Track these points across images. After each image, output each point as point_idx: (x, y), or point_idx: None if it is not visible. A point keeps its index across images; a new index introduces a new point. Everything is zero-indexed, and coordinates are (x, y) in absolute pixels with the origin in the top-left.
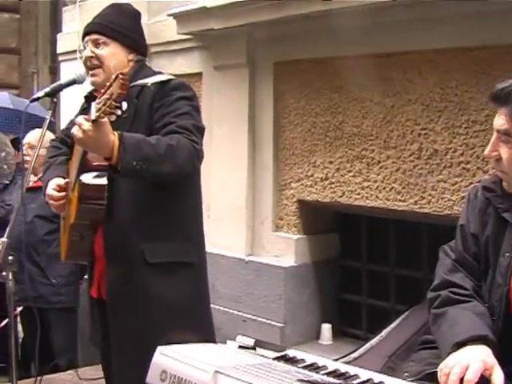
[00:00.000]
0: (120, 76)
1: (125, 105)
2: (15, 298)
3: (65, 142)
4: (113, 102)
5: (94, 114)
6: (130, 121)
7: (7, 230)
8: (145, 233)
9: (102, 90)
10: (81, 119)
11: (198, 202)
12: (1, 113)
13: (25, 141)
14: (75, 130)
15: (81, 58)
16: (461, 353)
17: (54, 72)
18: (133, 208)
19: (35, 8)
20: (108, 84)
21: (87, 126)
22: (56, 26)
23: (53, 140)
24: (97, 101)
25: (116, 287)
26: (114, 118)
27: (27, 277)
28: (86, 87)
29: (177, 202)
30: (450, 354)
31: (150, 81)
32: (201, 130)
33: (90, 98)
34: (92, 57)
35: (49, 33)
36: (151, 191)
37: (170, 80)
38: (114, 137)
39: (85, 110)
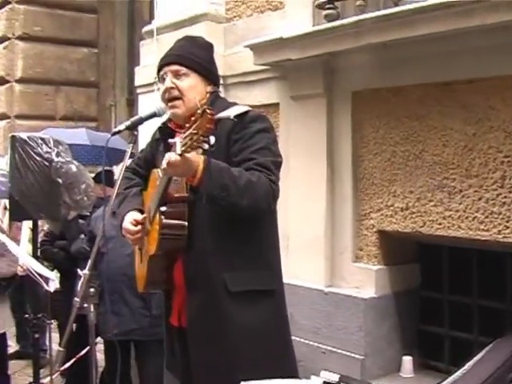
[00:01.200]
0: (207, 111)
1: (213, 139)
2: (114, 331)
3: (137, 172)
4: (200, 137)
5: (179, 149)
6: (207, 153)
7: (89, 262)
8: (226, 261)
9: (187, 125)
10: (169, 155)
11: (275, 229)
12: (79, 149)
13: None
14: (164, 164)
15: (158, 89)
16: None
17: (131, 104)
18: (213, 236)
19: (113, 43)
20: (193, 119)
21: (174, 159)
22: (133, 59)
23: (125, 171)
24: (182, 135)
25: (197, 316)
26: (200, 152)
27: (128, 309)
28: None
29: (256, 230)
30: None
31: (230, 113)
32: (279, 165)
33: (164, 129)
34: (172, 88)
35: (126, 66)
36: (231, 219)
37: (247, 112)
38: (200, 159)
39: (157, 141)
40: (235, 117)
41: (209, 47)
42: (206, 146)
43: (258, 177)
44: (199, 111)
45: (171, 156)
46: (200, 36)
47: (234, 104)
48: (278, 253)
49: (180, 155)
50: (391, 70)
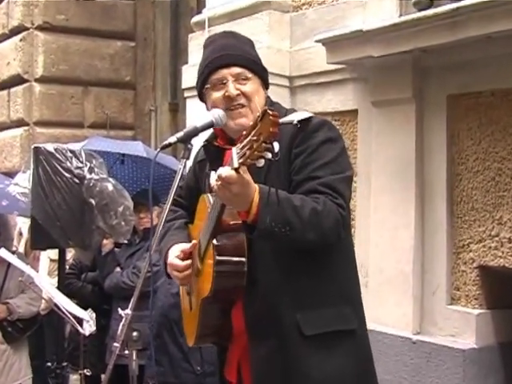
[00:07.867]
0: (269, 112)
1: (277, 146)
2: (153, 381)
3: (179, 204)
4: (262, 144)
5: (236, 162)
6: (266, 166)
7: (132, 300)
8: (298, 299)
9: (244, 132)
10: (223, 169)
11: (352, 255)
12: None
13: None
14: (214, 181)
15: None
16: None
17: (175, 110)
18: (279, 270)
19: (153, 35)
20: (252, 124)
21: (230, 174)
22: (177, 55)
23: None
24: (238, 145)
25: (264, 368)
26: (262, 163)
27: (168, 360)
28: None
29: (332, 258)
30: None
31: (293, 118)
32: (348, 180)
33: (209, 147)
34: (238, 95)
35: (169, 64)
36: (297, 250)
37: (310, 118)
38: (254, 190)
39: (202, 162)
40: (299, 122)
41: (254, 45)
42: (270, 155)
43: (323, 203)
44: (258, 114)
45: (224, 171)
46: (234, 31)
47: (293, 110)
48: (357, 282)
49: (236, 170)
50: (497, 69)
